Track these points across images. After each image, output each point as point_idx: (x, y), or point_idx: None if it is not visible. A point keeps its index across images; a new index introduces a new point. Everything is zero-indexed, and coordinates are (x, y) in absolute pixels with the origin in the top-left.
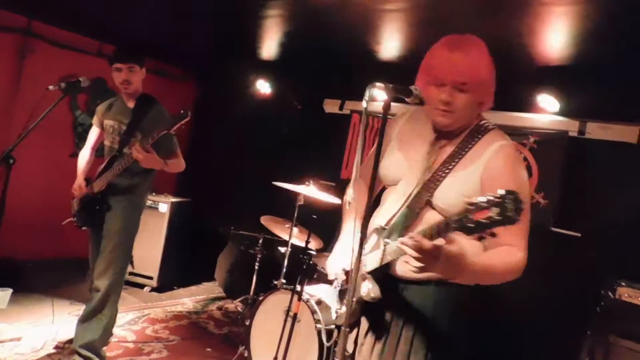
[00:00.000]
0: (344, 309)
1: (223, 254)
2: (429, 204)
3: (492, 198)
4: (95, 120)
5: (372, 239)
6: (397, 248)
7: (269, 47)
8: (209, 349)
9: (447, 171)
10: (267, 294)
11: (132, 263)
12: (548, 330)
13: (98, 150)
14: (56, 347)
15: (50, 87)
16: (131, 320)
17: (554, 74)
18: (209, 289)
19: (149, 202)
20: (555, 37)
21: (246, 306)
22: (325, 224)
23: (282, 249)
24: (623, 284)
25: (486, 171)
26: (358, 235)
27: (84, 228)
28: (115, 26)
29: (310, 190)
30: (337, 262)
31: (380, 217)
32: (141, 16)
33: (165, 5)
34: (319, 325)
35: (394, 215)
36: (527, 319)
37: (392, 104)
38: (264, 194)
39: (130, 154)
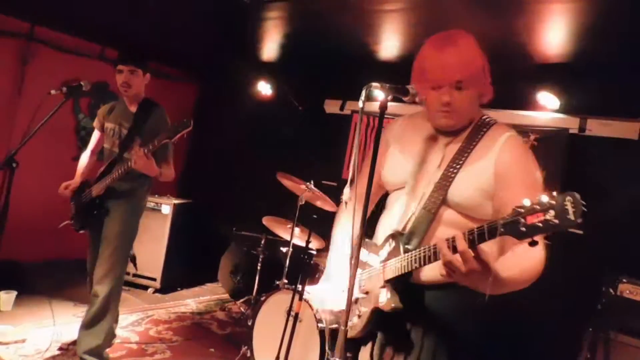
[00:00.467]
0: (355, 320)
1: (226, 254)
2: (445, 202)
3: (547, 200)
4: (96, 123)
5: (389, 245)
6: (425, 254)
7: (270, 48)
8: (212, 349)
9: (458, 167)
10: (269, 294)
11: (135, 264)
12: (549, 327)
13: (100, 153)
14: (60, 349)
15: (52, 92)
16: (134, 321)
17: (554, 72)
18: (213, 290)
19: (151, 204)
20: (553, 35)
21: (249, 306)
22: (326, 224)
23: (284, 249)
24: (624, 280)
25: (499, 163)
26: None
27: (81, 231)
28: (117, 29)
29: (312, 190)
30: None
31: (392, 222)
32: (142, 19)
33: (166, 8)
34: (320, 325)
35: (409, 219)
36: (529, 316)
37: (392, 103)
38: (265, 195)
39: (130, 158)
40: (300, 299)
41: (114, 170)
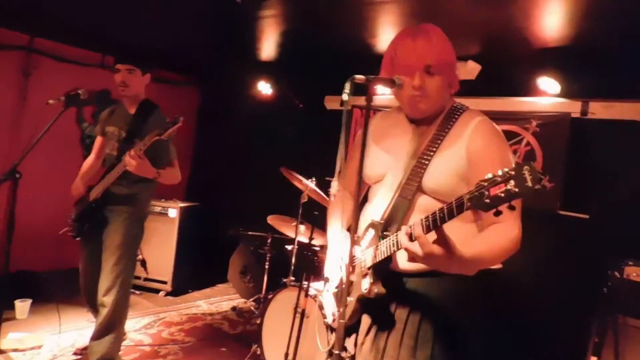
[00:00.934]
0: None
1: (235, 255)
2: (420, 189)
3: (506, 171)
4: (98, 128)
5: (369, 235)
6: (391, 242)
7: (268, 47)
8: (224, 349)
9: (431, 153)
10: (276, 292)
11: (145, 269)
12: (555, 312)
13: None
14: (75, 353)
15: (50, 101)
16: (147, 324)
17: (553, 56)
18: (223, 291)
19: (158, 208)
20: (552, 18)
21: (259, 305)
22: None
23: (289, 247)
24: (631, 263)
25: (470, 147)
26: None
27: (78, 238)
28: (115, 37)
29: (313, 186)
30: (333, 263)
31: (372, 212)
32: (140, 26)
33: (163, 13)
34: (326, 320)
35: (387, 208)
36: (537, 301)
37: (382, 97)
38: (270, 194)
39: (123, 160)
40: (307, 295)
41: (110, 173)
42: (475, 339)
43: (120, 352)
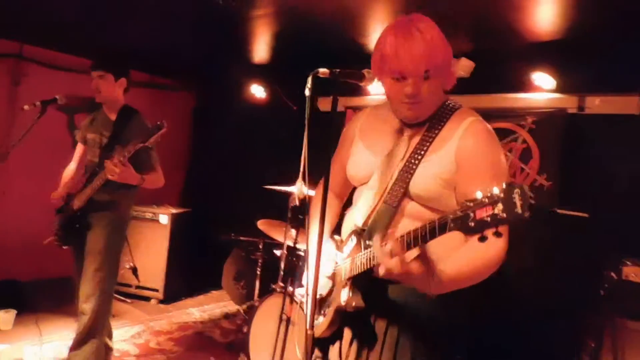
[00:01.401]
0: (321, 319)
1: (228, 261)
2: (407, 194)
3: (494, 193)
4: (78, 135)
5: (351, 242)
6: (369, 256)
7: (260, 49)
8: (212, 358)
9: (419, 157)
10: (263, 298)
11: (136, 276)
12: (553, 313)
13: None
14: None
15: (25, 107)
16: (135, 333)
17: (547, 50)
18: (217, 297)
19: (149, 215)
20: (544, 10)
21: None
22: None
23: (278, 252)
24: (628, 263)
25: (460, 151)
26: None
27: (64, 247)
28: (105, 43)
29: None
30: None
31: (356, 217)
32: (130, 32)
33: (154, 19)
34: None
35: (371, 213)
36: (532, 302)
37: (370, 97)
38: (264, 198)
39: (105, 168)
40: (292, 302)
41: (93, 181)
42: (457, 345)
43: None
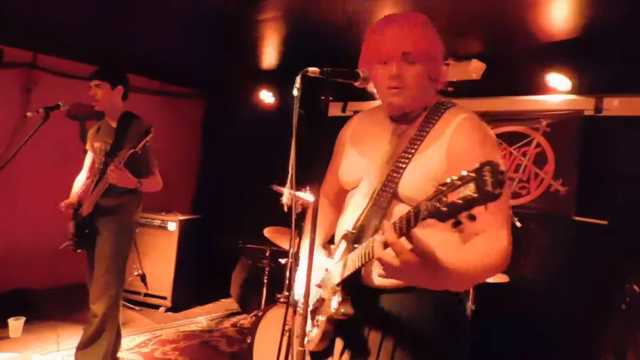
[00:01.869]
0: (315, 331)
1: (237, 269)
2: (396, 196)
3: (465, 174)
4: (87, 144)
5: (341, 247)
6: (362, 252)
7: (268, 54)
8: None
9: (409, 157)
10: (267, 308)
11: (145, 284)
12: (571, 325)
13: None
14: None
15: (28, 114)
16: (141, 342)
17: (562, 50)
18: (226, 306)
19: (157, 222)
20: (558, 7)
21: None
22: None
23: (283, 261)
24: None
25: (450, 148)
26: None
27: (78, 251)
28: (116, 51)
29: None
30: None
31: (346, 222)
32: (141, 40)
33: (163, 27)
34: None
35: (359, 217)
36: (551, 313)
37: (371, 102)
38: (272, 205)
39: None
40: (295, 312)
41: (97, 188)
42: (463, 353)
43: None
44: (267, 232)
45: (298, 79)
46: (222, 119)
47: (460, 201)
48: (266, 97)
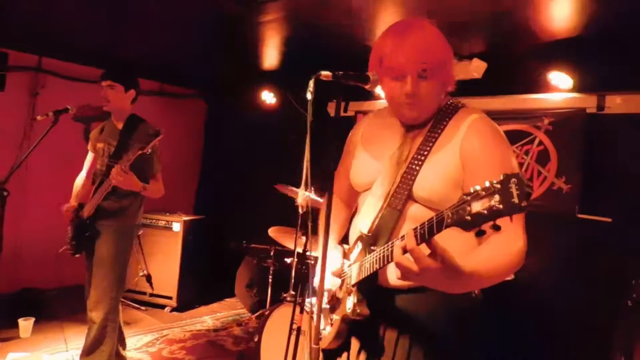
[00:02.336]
0: (328, 329)
1: (241, 269)
2: (411, 197)
3: (491, 184)
4: (89, 145)
5: (357, 249)
6: (383, 253)
7: (269, 55)
8: None
9: (422, 158)
10: (273, 307)
11: (151, 284)
12: (578, 324)
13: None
14: None
15: (38, 117)
16: (149, 342)
17: (564, 48)
18: (231, 305)
19: (162, 223)
20: (560, 6)
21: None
22: None
23: (288, 260)
24: None
25: (464, 148)
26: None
27: (77, 255)
28: (118, 52)
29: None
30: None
31: (361, 224)
32: (142, 41)
33: (165, 28)
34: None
35: (375, 219)
36: (555, 311)
37: (381, 101)
38: (276, 205)
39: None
40: (302, 311)
41: (99, 190)
42: (471, 358)
43: None
44: (272, 231)
45: (311, 83)
46: (223, 120)
47: (485, 212)
48: (267, 97)
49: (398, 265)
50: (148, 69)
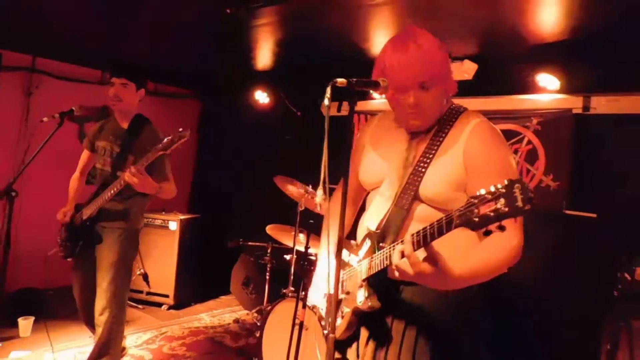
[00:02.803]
0: (339, 321)
1: (236, 266)
2: (417, 197)
3: (496, 189)
4: (86, 142)
5: (366, 245)
6: (384, 256)
7: (263, 56)
8: None
9: (428, 161)
10: (275, 303)
11: (147, 283)
12: (565, 316)
13: (89, 174)
14: None
15: (45, 119)
16: (148, 339)
17: (551, 51)
18: (227, 302)
19: (158, 222)
20: (548, 12)
21: (261, 317)
22: None
23: (287, 257)
24: None
25: (467, 153)
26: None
27: (69, 259)
28: (114, 53)
29: (310, 194)
30: (317, 289)
31: (369, 221)
32: (137, 40)
33: (159, 28)
34: (327, 331)
35: (383, 217)
36: (543, 305)
37: (374, 101)
38: (271, 203)
39: (123, 177)
40: (304, 306)
41: (106, 191)
42: (473, 348)
43: None
44: (270, 229)
45: (328, 90)
46: (217, 119)
47: (491, 214)
48: (261, 97)
49: (396, 268)
50: (142, 69)
